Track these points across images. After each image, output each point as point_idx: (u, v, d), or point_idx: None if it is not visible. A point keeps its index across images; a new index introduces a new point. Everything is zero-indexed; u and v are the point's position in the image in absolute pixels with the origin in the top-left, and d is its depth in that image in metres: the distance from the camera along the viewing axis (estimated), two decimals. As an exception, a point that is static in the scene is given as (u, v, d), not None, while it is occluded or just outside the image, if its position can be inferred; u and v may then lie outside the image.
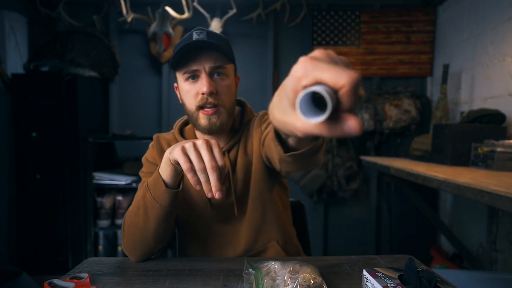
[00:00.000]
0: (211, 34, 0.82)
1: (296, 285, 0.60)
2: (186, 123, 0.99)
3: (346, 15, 2.63)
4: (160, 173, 0.73)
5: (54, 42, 2.42)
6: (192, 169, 0.63)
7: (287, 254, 0.91)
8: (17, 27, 2.42)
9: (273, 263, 0.66)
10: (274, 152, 0.66)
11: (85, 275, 0.70)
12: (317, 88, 0.31)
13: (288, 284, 0.60)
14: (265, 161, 0.84)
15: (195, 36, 0.81)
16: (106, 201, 2.32)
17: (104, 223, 2.33)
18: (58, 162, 2.23)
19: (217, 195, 0.62)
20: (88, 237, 2.29)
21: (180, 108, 0.91)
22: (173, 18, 2.44)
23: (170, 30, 2.48)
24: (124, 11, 2.39)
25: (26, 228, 2.23)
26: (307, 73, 0.32)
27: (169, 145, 0.93)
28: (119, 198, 2.33)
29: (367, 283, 0.57)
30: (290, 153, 0.61)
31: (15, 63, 2.40)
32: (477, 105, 2.11)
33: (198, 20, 2.48)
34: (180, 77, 0.85)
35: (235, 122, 0.94)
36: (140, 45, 2.68)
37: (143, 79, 2.71)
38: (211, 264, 0.79)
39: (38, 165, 2.23)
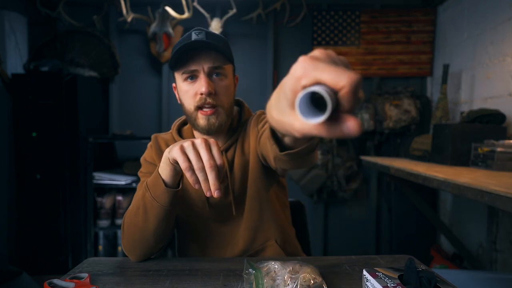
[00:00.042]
0: (210, 34, 0.82)
1: (296, 285, 0.60)
2: (184, 123, 0.99)
3: (346, 15, 2.63)
4: (160, 172, 0.73)
5: (54, 42, 2.42)
6: (191, 168, 0.63)
7: (286, 253, 0.91)
8: (17, 27, 2.42)
9: (273, 263, 0.66)
10: (270, 150, 0.66)
11: (85, 275, 0.70)
12: (317, 89, 0.31)
13: (288, 284, 0.60)
14: (261, 160, 0.84)
15: (194, 36, 0.81)
16: (106, 201, 2.32)
17: (104, 223, 2.33)
18: (58, 162, 2.23)
19: (215, 194, 0.62)
20: (88, 237, 2.29)
21: (180, 108, 0.91)
22: (173, 18, 2.44)
23: (170, 30, 2.48)
24: (124, 11, 2.39)
25: (26, 228, 2.23)
26: (307, 73, 0.32)
27: (167, 145, 0.93)
28: (119, 198, 2.33)
29: (367, 283, 0.57)
30: (286, 152, 0.61)
31: (15, 63, 2.40)
32: (477, 105, 2.11)
33: (198, 20, 2.48)
34: (178, 77, 0.85)
35: (233, 122, 0.94)
36: (140, 45, 2.68)
37: (143, 79, 2.71)
38: (211, 264, 0.79)
39: (38, 165, 2.23)
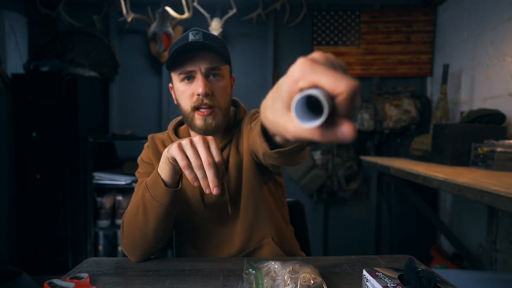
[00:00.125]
0: (207, 35, 0.83)
1: (296, 285, 0.60)
2: (181, 123, 0.99)
3: (346, 15, 2.63)
4: (159, 172, 0.73)
5: (54, 42, 2.42)
6: (189, 166, 0.63)
7: (283, 251, 0.91)
8: (17, 27, 2.42)
9: (273, 263, 0.66)
10: (259, 146, 0.66)
11: (85, 275, 0.70)
12: (314, 92, 0.30)
13: (288, 284, 0.60)
14: (254, 157, 0.84)
15: (191, 37, 0.81)
16: (106, 201, 2.32)
17: (104, 223, 2.33)
18: (58, 162, 2.23)
19: (214, 191, 0.62)
20: (88, 237, 2.29)
21: (180, 108, 0.91)
22: (173, 18, 2.44)
23: (170, 30, 2.48)
24: (124, 11, 2.39)
25: (26, 228, 2.23)
26: (305, 75, 0.31)
27: (164, 145, 0.93)
28: (119, 198, 2.33)
29: (367, 283, 0.57)
30: (276, 150, 0.61)
31: (15, 63, 2.40)
32: (477, 105, 2.11)
33: (198, 20, 2.48)
34: (175, 77, 0.85)
35: (229, 121, 0.94)
36: (140, 45, 2.68)
37: (143, 79, 2.71)
38: (211, 264, 0.79)
39: (38, 165, 2.23)
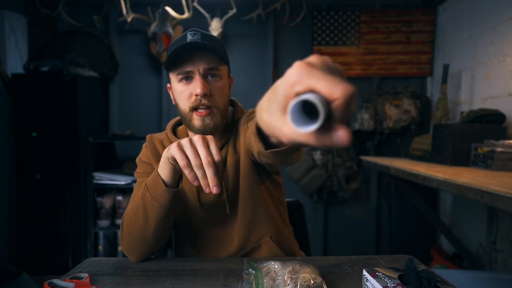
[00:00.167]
0: (205, 35, 0.83)
1: (296, 285, 0.60)
2: (179, 123, 0.99)
3: (346, 15, 2.63)
4: (159, 172, 0.73)
5: (54, 42, 2.42)
6: (189, 165, 0.63)
7: (282, 250, 0.91)
8: (17, 27, 2.42)
9: (273, 263, 0.66)
10: (254, 146, 0.66)
11: (85, 275, 0.70)
12: (310, 97, 0.30)
13: (288, 284, 0.60)
14: (251, 156, 0.84)
15: (189, 38, 0.81)
16: (106, 201, 2.32)
17: (104, 223, 2.33)
18: (58, 162, 2.23)
19: (214, 190, 0.62)
20: (88, 237, 2.29)
21: (180, 108, 0.91)
22: (173, 18, 2.44)
23: (170, 30, 2.48)
24: (124, 11, 2.39)
25: (26, 228, 2.23)
26: (301, 80, 0.31)
27: (162, 145, 0.93)
28: (119, 198, 2.33)
29: (367, 283, 0.57)
30: (270, 150, 0.62)
31: (15, 63, 2.40)
32: (477, 105, 2.11)
33: (198, 20, 2.48)
34: (173, 78, 0.86)
35: (227, 121, 0.94)
36: (140, 45, 2.68)
37: (143, 79, 2.71)
38: (211, 264, 0.79)
39: (38, 165, 2.23)
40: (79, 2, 2.59)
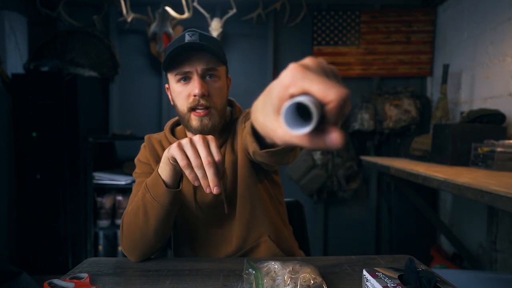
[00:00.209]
0: (203, 36, 0.83)
1: (296, 285, 0.60)
2: (177, 123, 0.99)
3: (346, 15, 2.63)
4: (160, 172, 0.73)
5: (54, 42, 2.42)
6: (190, 165, 0.63)
7: (280, 249, 0.91)
8: (17, 27, 2.42)
9: (273, 263, 0.66)
10: (250, 145, 0.67)
11: (85, 275, 0.70)
12: (304, 100, 0.30)
13: (288, 284, 0.60)
14: (248, 156, 0.85)
15: (187, 38, 0.81)
16: (106, 201, 2.32)
17: (104, 223, 2.33)
18: (58, 162, 2.23)
19: (215, 191, 0.62)
20: (88, 237, 2.29)
21: (180, 108, 0.91)
22: (173, 18, 2.44)
23: (170, 30, 2.48)
24: (124, 11, 2.39)
25: (26, 228, 2.23)
26: (296, 82, 0.31)
27: (161, 145, 0.94)
28: (119, 198, 2.33)
29: (367, 283, 0.57)
30: (265, 150, 0.62)
31: (15, 63, 2.40)
32: (477, 105, 2.11)
33: (198, 20, 2.48)
34: (172, 78, 0.86)
35: (225, 121, 0.95)
36: (140, 45, 2.68)
37: (143, 79, 2.71)
38: (211, 264, 0.79)
39: (38, 165, 2.23)
40: (79, 2, 2.59)
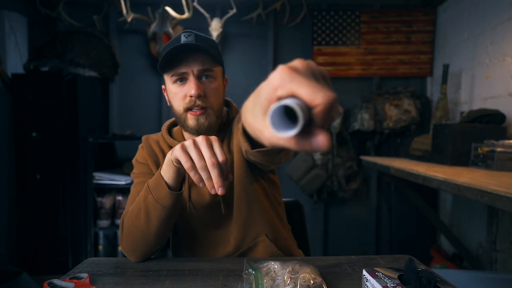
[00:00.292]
0: (199, 37, 0.83)
1: (296, 285, 0.60)
2: (174, 124, 0.99)
3: (346, 15, 2.63)
4: (162, 174, 0.73)
5: (54, 42, 2.42)
6: (194, 167, 0.64)
7: (278, 249, 0.91)
8: (17, 27, 2.42)
9: (273, 263, 0.66)
10: (242, 145, 0.67)
11: (85, 275, 0.70)
12: (290, 103, 0.30)
13: (288, 284, 0.60)
14: (243, 155, 0.85)
15: (183, 39, 0.81)
16: (106, 201, 2.32)
17: (104, 223, 2.33)
18: (58, 162, 2.23)
19: (219, 192, 0.62)
20: (88, 237, 2.29)
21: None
22: (173, 18, 2.44)
23: (170, 30, 2.48)
24: (124, 11, 2.39)
25: (26, 228, 2.23)
26: (284, 84, 0.31)
27: (158, 146, 0.94)
28: (119, 198, 2.33)
29: (367, 283, 0.57)
30: (257, 150, 0.62)
31: (15, 63, 2.40)
32: (477, 105, 2.11)
33: (198, 20, 2.48)
34: (168, 79, 0.86)
35: (222, 121, 0.95)
36: (140, 45, 2.68)
37: (143, 79, 2.71)
38: (211, 264, 0.79)
39: (38, 165, 2.23)
40: (79, 2, 2.59)
